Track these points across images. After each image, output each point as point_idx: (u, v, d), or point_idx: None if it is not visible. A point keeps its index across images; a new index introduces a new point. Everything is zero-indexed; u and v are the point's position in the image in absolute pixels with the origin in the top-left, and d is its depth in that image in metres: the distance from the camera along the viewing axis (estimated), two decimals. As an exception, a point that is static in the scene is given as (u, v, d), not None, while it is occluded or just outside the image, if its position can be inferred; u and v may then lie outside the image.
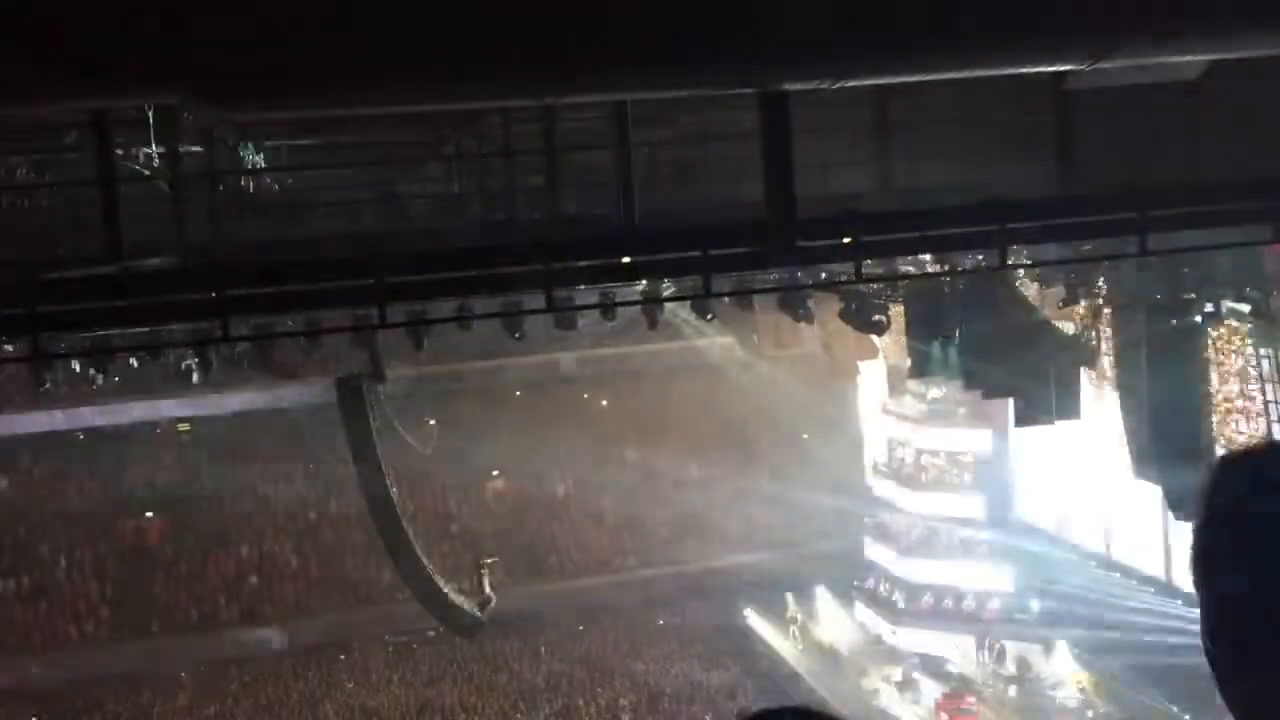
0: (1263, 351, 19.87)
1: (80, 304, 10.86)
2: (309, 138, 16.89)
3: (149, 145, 14.88)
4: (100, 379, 19.60)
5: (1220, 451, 17.91)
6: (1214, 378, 19.66)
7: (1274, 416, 19.59)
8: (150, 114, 13.62)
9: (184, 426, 32.29)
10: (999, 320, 17.62)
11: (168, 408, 30.12)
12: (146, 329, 14.13)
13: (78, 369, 19.89)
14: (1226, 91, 11.01)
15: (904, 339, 22.03)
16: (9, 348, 13.66)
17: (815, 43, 8.01)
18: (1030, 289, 19.52)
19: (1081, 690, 25.94)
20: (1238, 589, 1.57)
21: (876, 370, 31.21)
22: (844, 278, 15.29)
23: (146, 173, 15.70)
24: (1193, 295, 16.17)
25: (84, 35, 7.57)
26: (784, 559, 31.51)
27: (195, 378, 23.00)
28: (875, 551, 31.33)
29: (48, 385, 16.42)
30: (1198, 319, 16.37)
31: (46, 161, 16.66)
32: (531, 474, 33.15)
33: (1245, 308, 16.66)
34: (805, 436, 33.52)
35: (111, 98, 9.89)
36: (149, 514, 31.89)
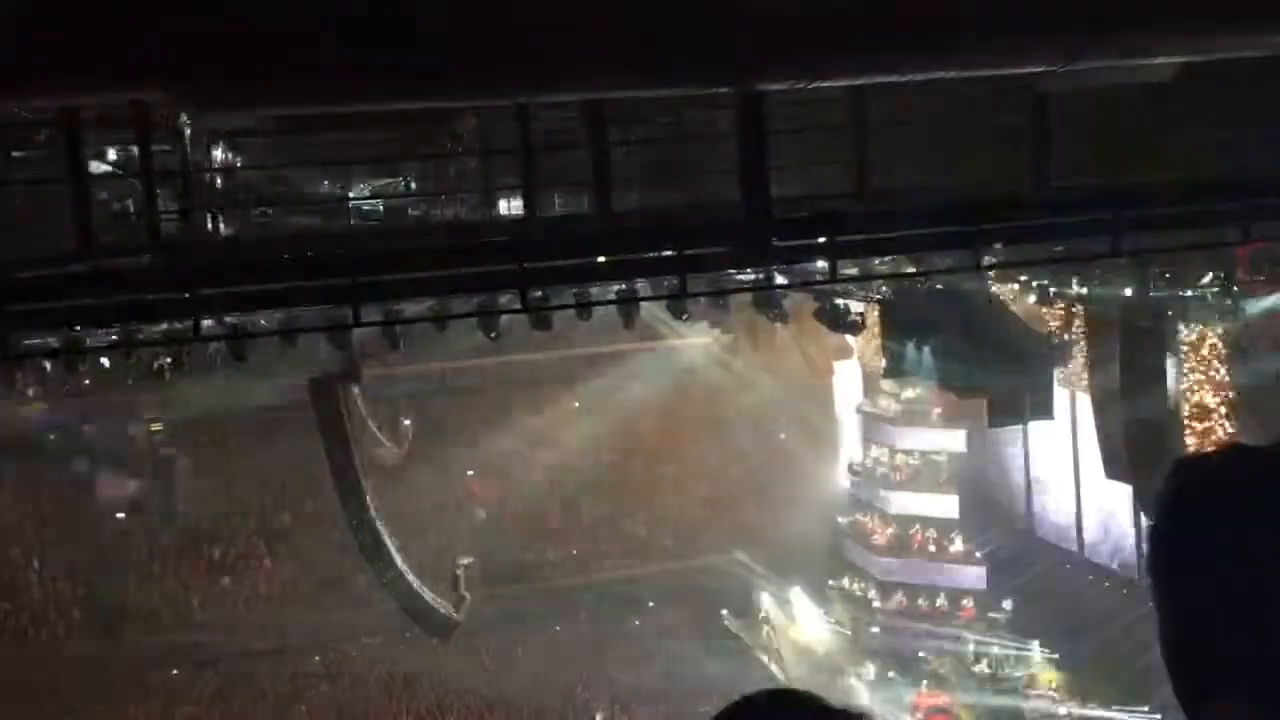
0: (1233, 353, 20.04)
1: (51, 303, 10.77)
2: (283, 136, 16.79)
3: (120, 142, 14.76)
4: (71, 378, 19.44)
5: (1188, 451, 18.08)
6: (1186, 379, 19.81)
7: (1244, 420, 19.75)
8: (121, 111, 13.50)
9: (156, 426, 32.02)
10: (973, 321, 17.70)
11: (140, 407, 29.87)
12: (118, 327, 14.02)
13: (49, 368, 19.70)
14: (1198, 92, 11.10)
15: (879, 339, 22.13)
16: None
17: (790, 43, 8.04)
18: (1004, 289, 19.62)
19: (1054, 690, 26.09)
20: (1197, 601, 1.55)
21: (851, 371, 31.36)
22: (819, 278, 15.32)
23: (119, 170, 15.58)
24: (1164, 296, 16.29)
25: (59, 33, 7.51)
26: (760, 558, 31.56)
27: (168, 377, 22.84)
28: (850, 551, 31.44)
29: (18, 384, 16.28)
30: (1169, 320, 16.48)
31: (16, 159, 16.49)
32: (507, 474, 33.08)
33: (1216, 308, 16.79)
34: (782, 436, 33.57)
35: (84, 94, 9.82)
36: (120, 514, 31.64)
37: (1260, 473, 1.56)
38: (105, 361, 20.27)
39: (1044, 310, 19.63)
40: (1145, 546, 1.63)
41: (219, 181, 17.21)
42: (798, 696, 1.54)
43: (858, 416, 32.40)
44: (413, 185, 20.29)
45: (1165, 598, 1.59)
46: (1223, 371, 20.88)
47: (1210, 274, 16.13)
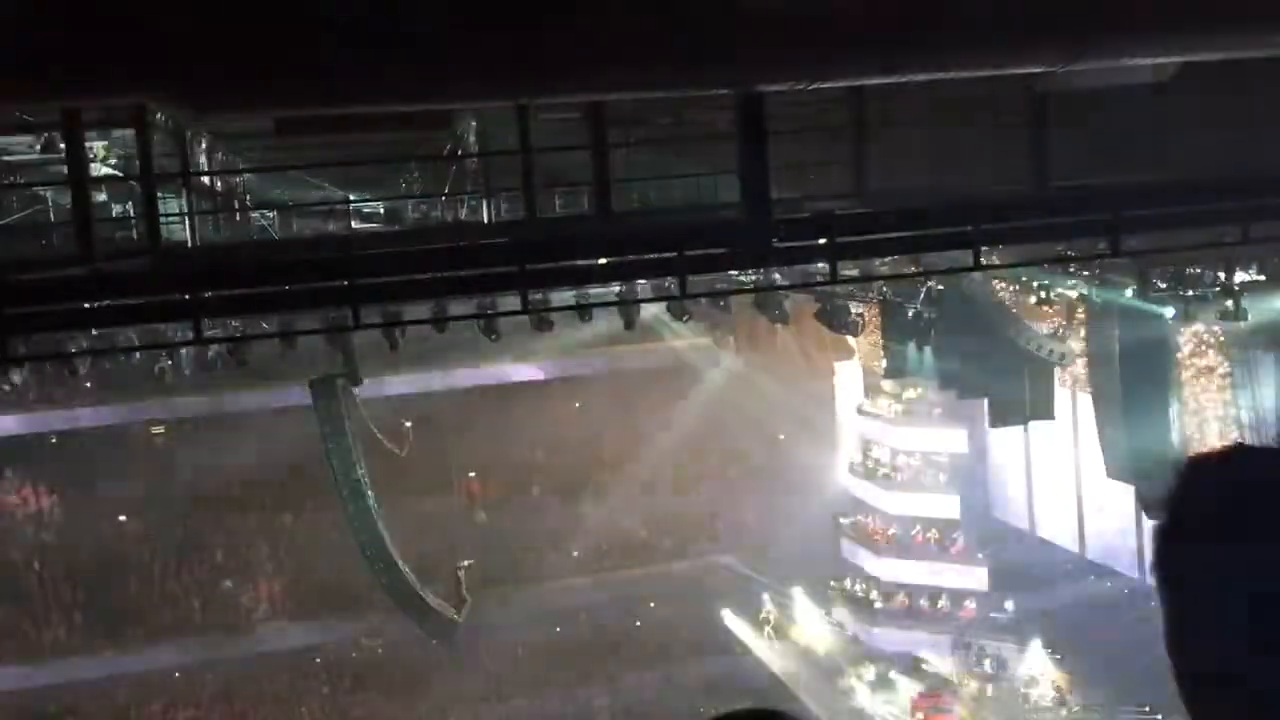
0: (1234, 353, 20.01)
1: (51, 306, 10.77)
2: (282, 139, 16.77)
3: (120, 146, 14.76)
4: (71, 381, 19.44)
5: (1192, 452, 18.09)
6: (1186, 379, 19.80)
7: (1245, 419, 19.72)
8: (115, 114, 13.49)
9: (157, 429, 32.03)
10: (973, 321, 17.72)
11: (140, 410, 29.86)
12: (118, 331, 14.03)
13: (49, 370, 19.70)
14: (1195, 93, 11.10)
15: (879, 340, 22.14)
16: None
17: (790, 44, 8.03)
18: (1004, 290, 19.62)
19: (1056, 689, 26.09)
20: (1201, 602, 1.56)
21: (852, 371, 31.35)
22: (819, 279, 15.32)
23: (119, 174, 15.58)
24: (1165, 296, 16.29)
25: (58, 33, 7.51)
26: (760, 559, 31.55)
27: (168, 380, 22.86)
28: (851, 552, 31.43)
29: (18, 387, 16.28)
30: (1169, 320, 16.48)
31: (15, 164, 16.50)
32: (508, 476, 33.09)
33: (1216, 308, 16.77)
34: (781, 437, 33.56)
35: (82, 96, 9.81)
36: (121, 518, 31.64)
37: (1264, 473, 1.57)
38: (106, 365, 20.30)
39: (1044, 310, 19.61)
40: (1149, 546, 1.64)
41: (219, 184, 17.21)
42: (778, 717, 1.56)
43: (858, 417, 32.39)
44: (414, 188, 20.30)
45: (1169, 597, 1.60)
46: (1224, 370, 20.86)
47: (1210, 274, 16.13)
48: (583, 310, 16.72)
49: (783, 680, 28.19)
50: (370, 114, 10.70)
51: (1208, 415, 20.99)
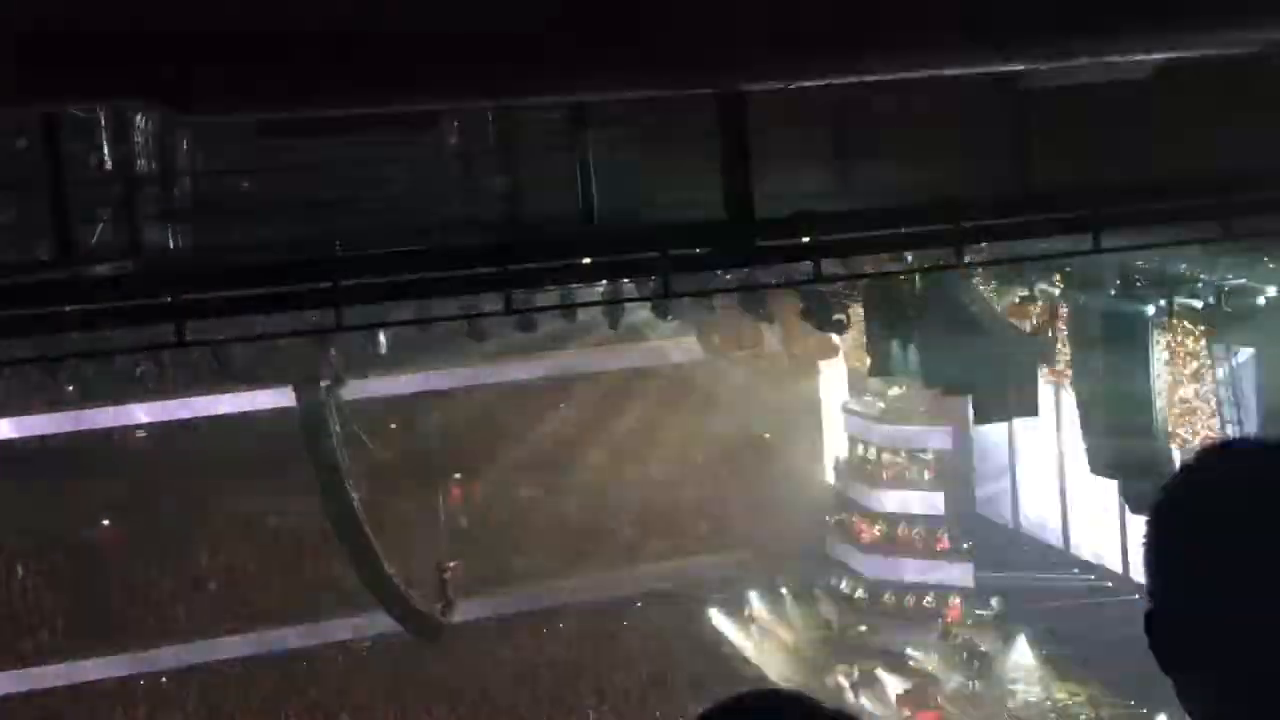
0: (1216, 349, 20.11)
1: (30, 309, 10.70)
2: (264, 140, 16.69)
3: (100, 147, 14.68)
4: (53, 384, 19.35)
5: (1174, 449, 18.18)
6: (1169, 375, 19.88)
7: (1227, 415, 19.83)
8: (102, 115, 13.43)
9: (140, 433, 31.89)
10: (957, 319, 17.76)
11: (123, 414, 29.71)
12: (100, 334, 13.95)
13: (30, 375, 19.59)
14: (1178, 91, 11.15)
15: (864, 338, 22.18)
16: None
17: (771, 43, 8.04)
18: (987, 287, 19.67)
19: (1042, 685, 26.18)
20: (1191, 596, 1.56)
21: (837, 369, 31.42)
22: (803, 277, 15.32)
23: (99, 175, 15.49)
24: (1146, 292, 16.36)
25: (39, 35, 7.46)
26: (747, 558, 31.59)
27: (151, 384, 22.78)
28: (837, 549, 31.49)
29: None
30: (1151, 315, 16.55)
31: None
32: (493, 477, 33.04)
33: (1198, 305, 16.85)
34: (766, 436, 33.60)
35: (65, 100, 9.76)
36: (105, 522, 31.48)
37: (1259, 469, 1.57)
38: (88, 367, 20.20)
39: (1028, 307, 19.68)
40: (1134, 541, 1.64)
41: (200, 185, 17.12)
42: (790, 697, 1.54)
43: (844, 415, 32.46)
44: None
45: (1156, 585, 1.60)
46: (1206, 367, 20.95)
47: (1193, 271, 16.20)
48: (567, 311, 16.73)
49: (770, 679, 28.23)
50: (354, 115, 10.66)
51: (1190, 412, 21.10)
